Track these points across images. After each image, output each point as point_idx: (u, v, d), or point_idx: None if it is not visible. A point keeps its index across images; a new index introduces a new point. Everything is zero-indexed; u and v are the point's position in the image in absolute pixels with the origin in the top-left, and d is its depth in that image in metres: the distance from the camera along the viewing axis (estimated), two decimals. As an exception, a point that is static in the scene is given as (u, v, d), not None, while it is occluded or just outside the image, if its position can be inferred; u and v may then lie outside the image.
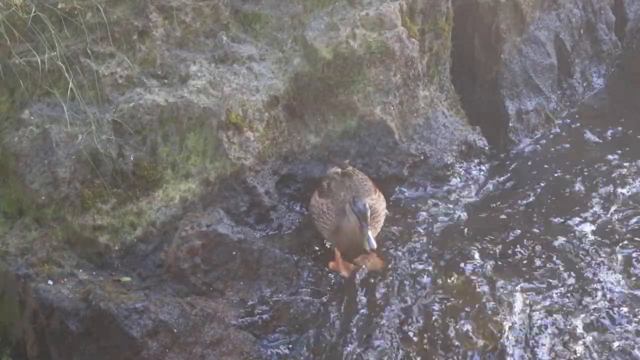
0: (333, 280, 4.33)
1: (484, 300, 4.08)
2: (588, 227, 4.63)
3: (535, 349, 3.91)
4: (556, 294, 4.17)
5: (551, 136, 5.67)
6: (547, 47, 5.74)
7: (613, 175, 5.09)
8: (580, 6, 6.02)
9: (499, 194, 5.06)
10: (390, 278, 4.29)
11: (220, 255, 4.27)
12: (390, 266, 4.36)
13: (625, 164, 5.19)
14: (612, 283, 4.21)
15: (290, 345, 4.06)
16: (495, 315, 4.01)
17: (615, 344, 3.88)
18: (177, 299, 4.04)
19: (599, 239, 4.52)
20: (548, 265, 4.35)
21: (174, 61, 4.84)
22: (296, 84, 4.92)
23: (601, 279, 4.24)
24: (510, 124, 5.55)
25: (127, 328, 3.85)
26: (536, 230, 4.62)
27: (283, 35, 5.07)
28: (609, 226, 4.64)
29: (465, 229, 4.68)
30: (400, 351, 3.94)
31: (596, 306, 4.09)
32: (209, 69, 4.84)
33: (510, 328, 3.97)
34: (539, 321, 4.01)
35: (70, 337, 3.92)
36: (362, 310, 4.15)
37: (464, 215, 4.84)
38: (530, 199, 4.96)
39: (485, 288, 4.15)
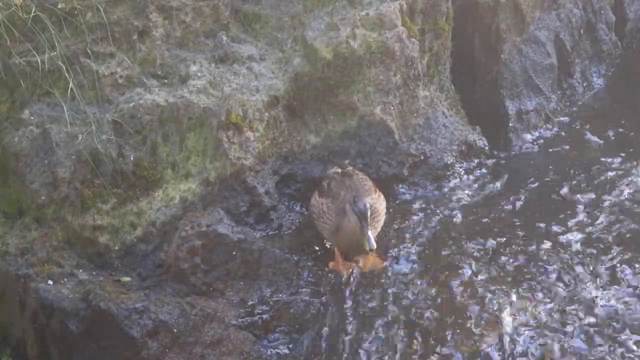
0: (333, 280, 4.33)
1: (478, 304, 4.08)
2: (588, 230, 4.62)
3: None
4: (548, 301, 4.14)
5: (551, 136, 5.67)
6: (547, 47, 5.74)
7: (614, 176, 5.09)
8: (580, 6, 6.02)
9: (499, 195, 5.05)
10: (390, 278, 4.29)
11: (220, 255, 4.27)
12: (390, 266, 4.36)
13: (626, 165, 5.19)
14: (610, 290, 4.19)
15: (290, 345, 4.06)
16: (488, 319, 4.02)
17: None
18: (177, 299, 4.04)
19: (598, 242, 4.50)
20: (544, 270, 4.33)
21: (174, 61, 4.84)
22: (296, 84, 4.92)
23: (597, 284, 4.22)
24: (510, 124, 5.55)
25: (127, 328, 3.85)
26: (535, 233, 4.62)
27: (283, 35, 5.08)
28: (610, 228, 4.64)
29: (465, 230, 4.67)
30: (400, 351, 3.94)
31: (592, 315, 4.08)
32: (209, 69, 4.84)
33: (499, 333, 3.98)
34: (527, 331, 4.00)
35: (70, 337, 3.92)
36: (362, 310, 4.15)
37: (463, 217, 4.82)
38: (530, 200, 4.96)
39: (480, 290, 4.16)
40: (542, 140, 5.62)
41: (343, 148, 4.96)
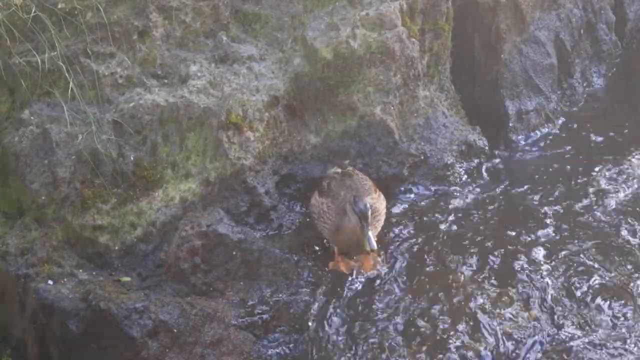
0: (333, 280, 4.33)
1: (477, 306, 4.08)
2: (586, 231, 4.62)
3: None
4: (543, 305, 4.14)
5: (551, 136, 5.67)
6: (547, 47, 5.74)
7: (614, 177, 5.08)
8: (580, 6, 6.03)
9: (499, 195, 5.05)
10: (390, 278, 4.28)
11: (220, 255, 4.27)
12: (389, 266, 4.36)
13: (626, 165, 5.19)
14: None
15: (290, 345, 4.06)
16: (487, 320, 4.02)
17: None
18: (177, 299, 4.04)
19: (600, 245, 4.49)
20: (539, 275, 4.32)
21: (174, 61, 4.84)
22: (296, 84, 4.92)
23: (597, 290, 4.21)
24: (511, 124, 5.55)
25: (127, 328, 3.85)
26: (535, 235, 4.61)
27: (283, 35, 5.08)
28: (610, 229, 4.63)
29: (464, 231, 4.67)
30: (400, 351, 3.94)
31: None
32: (209, 69, 4.84)
33: (495, 335, 3.98)
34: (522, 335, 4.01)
35: (70, 337, 3.92)
36: (362, 310, 4.15)
37: (462, 217, 4.82)
38: (530, 201, 4.96)
39: (480, 291, 4.16)
40: (542, 141, 5.62)
41: (343, 148, 4.96)
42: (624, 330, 3.96)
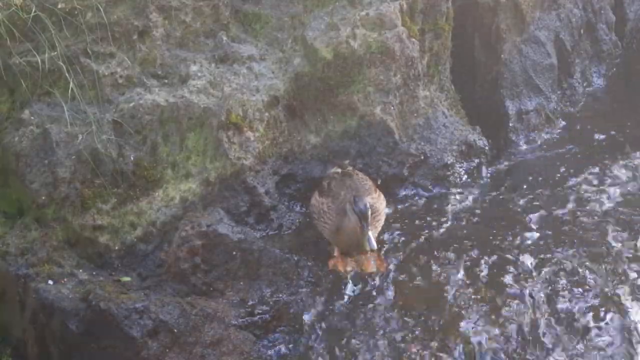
0: (333, 280, 4.33)
1: (477, 307, 4.08)
2: (586, 233, 4.61)
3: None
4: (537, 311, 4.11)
5: (551, 136, 5.67)
6: (547, 47, 5.74)
7: (614, 177, 5.08)
8: (580, 6, 6.03)
9: (499, 196, 5.05)
10: (390, 278, 4.28)
11: (221, 255, 4.27)
12: (389, 266, 4.36)
13: (627, 165, 5.19)
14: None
15: (290, 345, 4.06)
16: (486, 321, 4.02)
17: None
18: (177, 299, 4.04)
19: (595, 248, 4.46)
20: (541, 272, 4.32)
21: (174, 61, 4.84)
22: (296, 84, 4.92)
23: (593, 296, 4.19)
24: (511, 124, 5.55)
25: (127, 328, 3.85)
26: (534, 236, 4.61)
27: (283, 35, 5.08)
28: (610, 230, 4.62)
29: (463, 232, 4.66)
30: (400, 351, 3.94)
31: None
32: (209, 69, 4.85)
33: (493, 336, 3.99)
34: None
35: (70, 337, 3.92)
36: (361, 310, 4.15)
37: (462, 218, 4.82)
38: (530, 202, 4.95)
39: (479, 292, 4.16)
40: (542, 141, 5.62)
41: (343, 148, 4.96)
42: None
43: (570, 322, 4.02)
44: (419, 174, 5.03)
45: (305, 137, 4.97)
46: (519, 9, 5.58)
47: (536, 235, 4.59)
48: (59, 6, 4.58)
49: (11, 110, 4.61)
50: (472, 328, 3.99)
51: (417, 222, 4.76)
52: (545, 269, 4.30)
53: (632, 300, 4.10)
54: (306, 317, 4.13)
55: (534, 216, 4.78)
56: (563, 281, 4.23)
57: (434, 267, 4.33)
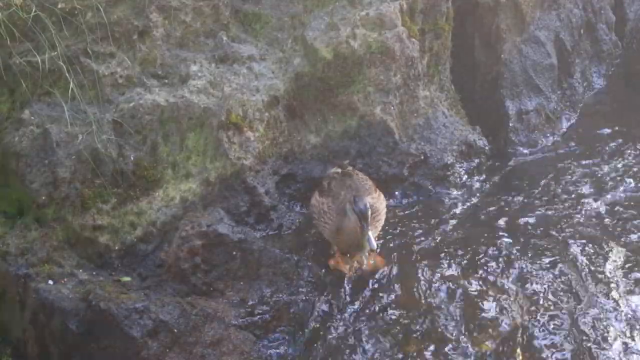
0: (333, 280, 4.33)
1: (476, 307, 4.08)
2: (587, 234, 4.61)
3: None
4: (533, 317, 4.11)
5: (551, 136, 5.67)
6: (547, 47, 5.74)
7: (614, 176, 5.08)
8: (581, 6, 6.03)
9: (499, 196, 5.05)
10: (390, 278, 4.28)
11: (221, 255, 4.27)
12: (389, 266, 4.36)
13: (627, 165, 5.19)
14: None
15: (290, 345, 4.06)
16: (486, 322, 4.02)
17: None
18: (177, 299, 4.05)
19: (596, 248, 4.48)
20: (541, 272, 4.32)
21: (174, 61, 4.84)
22: (296, 84, 4.92)
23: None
24: (511, 124, 5.55)
25: (128, 328, 3.85)
26: (532, 238, 4.61)
27: (283, 35, 5.08)
28: (610, 231, 4.63)
29: (462, 233, 4.66)
30: (400, 351, 3.94)
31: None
32: (209, 69, 4.85)
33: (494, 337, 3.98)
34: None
35: (70, 337, 3.92)
36: (361, 310, 4.15)
37: (462, 218, 4.83)
38: (530, 201, 4.95)
39: (479, 293, 4.16)
40: (542, 140, 5.62)
41: (343, 148, 4.96)
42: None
43: (571, 322, 4.02)
44: (419, 174, 5.03)
45: (305, 137, 4.97)
46: (519, 9, 5.59)
47: (536, 235, 4.60)
48: (59, 6, 4.57)
49: (11, 110, 4.61)
50: (473, 328, 4.00)
51: (417, 222, 4.76)
52: (546, 269, 4.30)
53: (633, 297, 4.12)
54: (306, 317, 4.13)
55: (533, 216, 4.79)
56: (563, 281, 4.23)
57: (435, 267, 4.33)
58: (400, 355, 3.92)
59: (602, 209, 4.80)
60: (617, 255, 4.41)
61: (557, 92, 5.84)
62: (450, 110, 5.36)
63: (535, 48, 5.71)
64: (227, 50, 4.91)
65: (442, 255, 4.44)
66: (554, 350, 3.90)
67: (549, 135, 5.69)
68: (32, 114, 4.50)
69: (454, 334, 3.98)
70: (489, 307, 4.08)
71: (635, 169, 5.17)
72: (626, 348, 3.89)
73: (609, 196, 4.91)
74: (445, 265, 4.35)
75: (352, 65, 4.89)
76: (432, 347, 3.94)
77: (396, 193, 4.98)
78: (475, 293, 4.16)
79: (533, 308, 4.09)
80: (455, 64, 5.52)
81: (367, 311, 4.14)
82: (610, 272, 4.31)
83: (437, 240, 4.59)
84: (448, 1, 5.29)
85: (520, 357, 3.88)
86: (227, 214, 4.51)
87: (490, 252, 4.46)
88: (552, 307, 4.09)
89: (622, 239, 4.54)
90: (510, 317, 4.04)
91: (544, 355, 3.87)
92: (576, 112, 5.92)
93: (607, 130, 5.66)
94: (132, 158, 4.53)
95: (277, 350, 4.04)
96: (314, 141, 4.97)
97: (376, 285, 4.26)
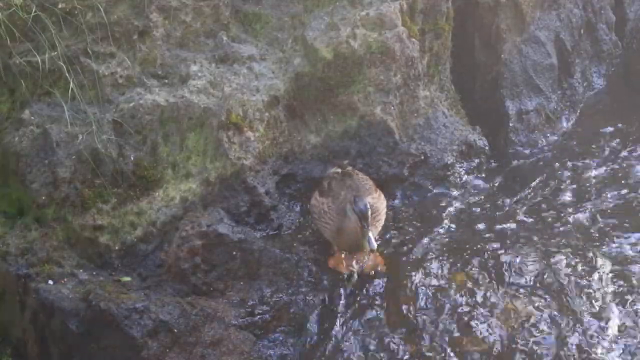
0: (333, 280, 4.33)
1: (476, 308, 4.07)
2: (587, 234, 4.61)
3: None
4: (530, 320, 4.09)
5: (551, 136, 5.67)
6: (547, 47, 5.74)
7: (614, 176, 5.08)
8: (581, 6, 6.03)
9: (499, 196, 5.05)
10: (390, 278, 4.28)
11: (221, 255, 4.27)
12: (389, 266, 4.36)
13: (627, 165, 5.19)
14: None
15: (290, 345, 4.06)
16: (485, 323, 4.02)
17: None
18: (177, 299, 4.05)
19: (596, 248, 4.45)
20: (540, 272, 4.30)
21: (174, 61, 4.84)
22: (296, 84, 4.92)
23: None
24: (511, 124, 5.55)
25: (128, 328, 3.85)
26: (532, 238, 4.60)
27: (283, 35, 5.08)
28: (610, 230, 4.62)
29: (463, 233, 4.66)
30: (401, 351, 3.94)
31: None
32: (209, 69, 4.85)
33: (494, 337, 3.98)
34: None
35: (70, 337, 3.92)
36: (361, 310, 4.15)
37: (461, 218, 4.82)
38: (530, 202, 4.95)
39: (479, 293, 4.16)
40: (542, 140, 5.62)
41: (343, 148, 4.96)
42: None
43: (573, 322, 4.02)
44: (419, 174, 5.03)
45: (305, 137, 4.97)
46: (519, 9, 5.59)
47: (536, 235, 4.60)
48: (59, 6, 4.57)
49: (11, 110, 4.61)
50: (473, 328, 3.99)
51: (417, 222, 4.76)
52: (546, 269, 4.29)
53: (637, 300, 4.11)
54: (306, 317, 4.13)
55: (533, 216, 4.78)
56: (564, 281, 4.22)
57: (435, 268, 4.33)
58: (401, 355, 3.92)
59: (603, 210, 4.80)
60: (617, 254, 4.41)
61: (557, 92, 5.84)
62: (450, 110, 5.36)
63: (536, 48, 5.71)
64: (227, 50, 4.91)
65: (443, 255, 4.44)
66: (559, 349, 3.89)
67: (549, 135, 5.69)
68: (32, 114, 4.50)
69: (455, 334, 3.97)
70: (490, 307, 4.07)
71: (635, 169, 5.16)
72: (612, 357, 3.88)
73: (610, 196, 4.91)
74: (446, 266, 4.35)
75: (352, 65, 4.89)
76: (433, 347, 3.94)
77: (396, 193, 4.98)
78: (477, 293, 4.16)
79: (534, 307, 4.09)
80: (455, 64, 5.52)
81: (368, 311, 4.14)
82: (610, 272, 4.30)
83: (437, 241, 4.59)
84: (448, 1, 5.29)
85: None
86: (227, 214, 4.51)
87: (490, 252, 4.46)
88: (555, 305, 4.09)
89: (623, 240, 4.53)
90: (511, 317, 4.03)
91: (552, 353, 3.87)
92: (576, 112, 5.92)
93: (607, 130, 5.66)
94: (132, 158, 4.53)
95: (277, 350, 4.04)
96: (314, 141, 4.97)
97: (376, 285, 4.26)
